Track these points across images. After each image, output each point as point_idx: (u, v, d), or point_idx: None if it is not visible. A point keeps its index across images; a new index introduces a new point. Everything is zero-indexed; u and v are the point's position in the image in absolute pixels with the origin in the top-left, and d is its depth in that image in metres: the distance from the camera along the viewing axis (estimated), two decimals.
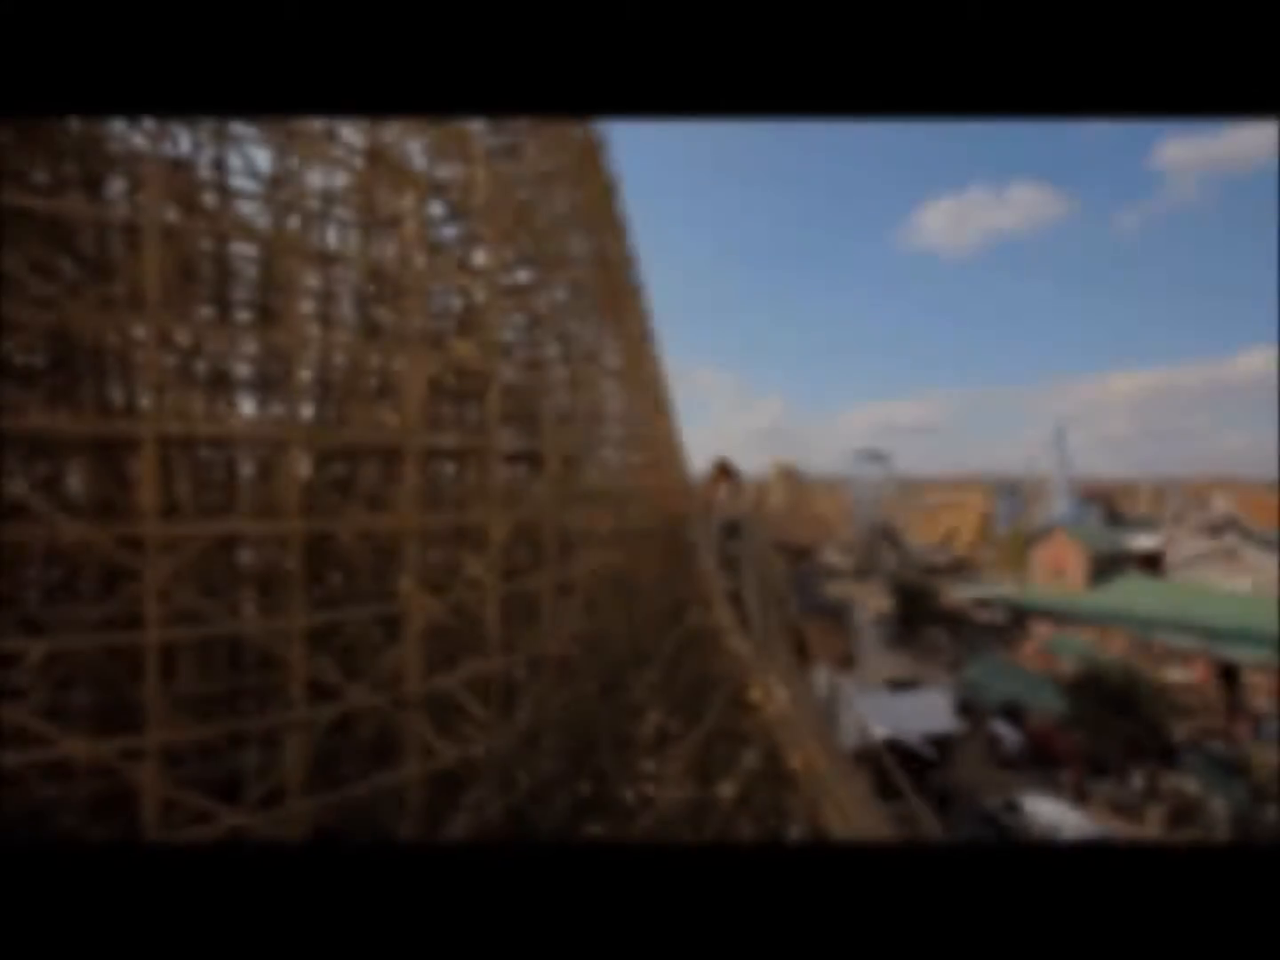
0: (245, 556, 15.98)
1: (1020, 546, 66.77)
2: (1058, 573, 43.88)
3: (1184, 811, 22.25)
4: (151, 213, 8.83)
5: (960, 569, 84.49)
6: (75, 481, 13.48)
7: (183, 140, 13.23)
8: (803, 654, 16.84)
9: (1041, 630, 40.54)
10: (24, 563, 12.75)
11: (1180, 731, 28.22)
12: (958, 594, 60.03)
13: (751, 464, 52.81)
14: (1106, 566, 41.68)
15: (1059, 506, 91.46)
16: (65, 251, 11.37)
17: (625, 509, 19.95)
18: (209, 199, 13.41)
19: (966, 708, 32.42)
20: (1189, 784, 23.17)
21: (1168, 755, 25.83)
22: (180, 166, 12.62)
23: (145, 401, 9.31)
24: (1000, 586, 63.33)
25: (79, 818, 10.37)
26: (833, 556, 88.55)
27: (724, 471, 40.80)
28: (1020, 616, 45.00)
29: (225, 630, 10.09)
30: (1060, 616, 39.72)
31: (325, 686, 11.17)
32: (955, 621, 49.30)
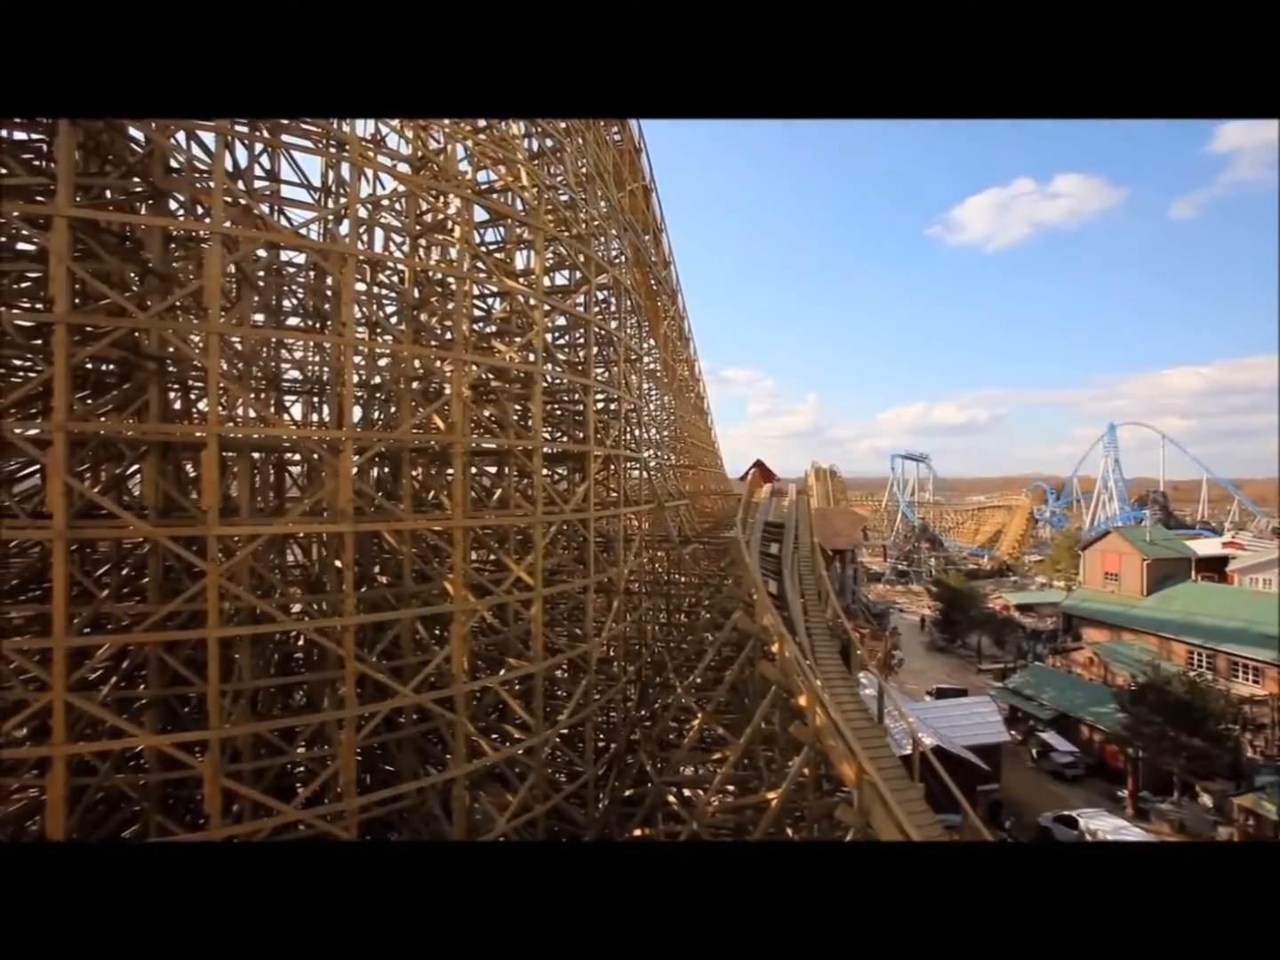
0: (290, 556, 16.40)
1: (1070, 549, 64.35)
2: (1112, 577, 42.05)
3: (1260, 835, 21.02)
4: (215, 223, 9.09)
5: (1005, 572, 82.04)
6: (135, 483, 14.05)
7: (237, 151, 13.67)
8: (850, 658, 16.45)
9: (1095, 637, 38.91)
10: (97, 560, 13.35)
11: (1250, 748, 26.72)
12: (1003, 598, 58.19)
13: (787, 465, 52.07)
14: (1165, 571, 39.78)
15: (1111, 508, 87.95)
16: (132, 262, 11.83)
17: (666, 510, 19.85)
18: (263, 208, 13.83)
19: (1015, 717, 31.34)
20: (1264, 805, 21.87)
21: (1238, 773, 24.47)
22: (236, 178, 13.03)
23: (206, 406, 9.60)
24: (1049, 591, 61.14)
25: (146, 806, 10.74)
26: (871, 558, 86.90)
27: (764, 472, 40.34)
28: (1071, 622, 43.31)
29: (283, 627, 10.31)
30: (1116, 623, 38.07)
31: (376, 684, 11.37)
32: (1001, 626, 47.72)
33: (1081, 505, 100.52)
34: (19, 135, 12.47)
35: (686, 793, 15.76)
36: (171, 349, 11.94)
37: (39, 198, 11.05)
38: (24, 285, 12.75)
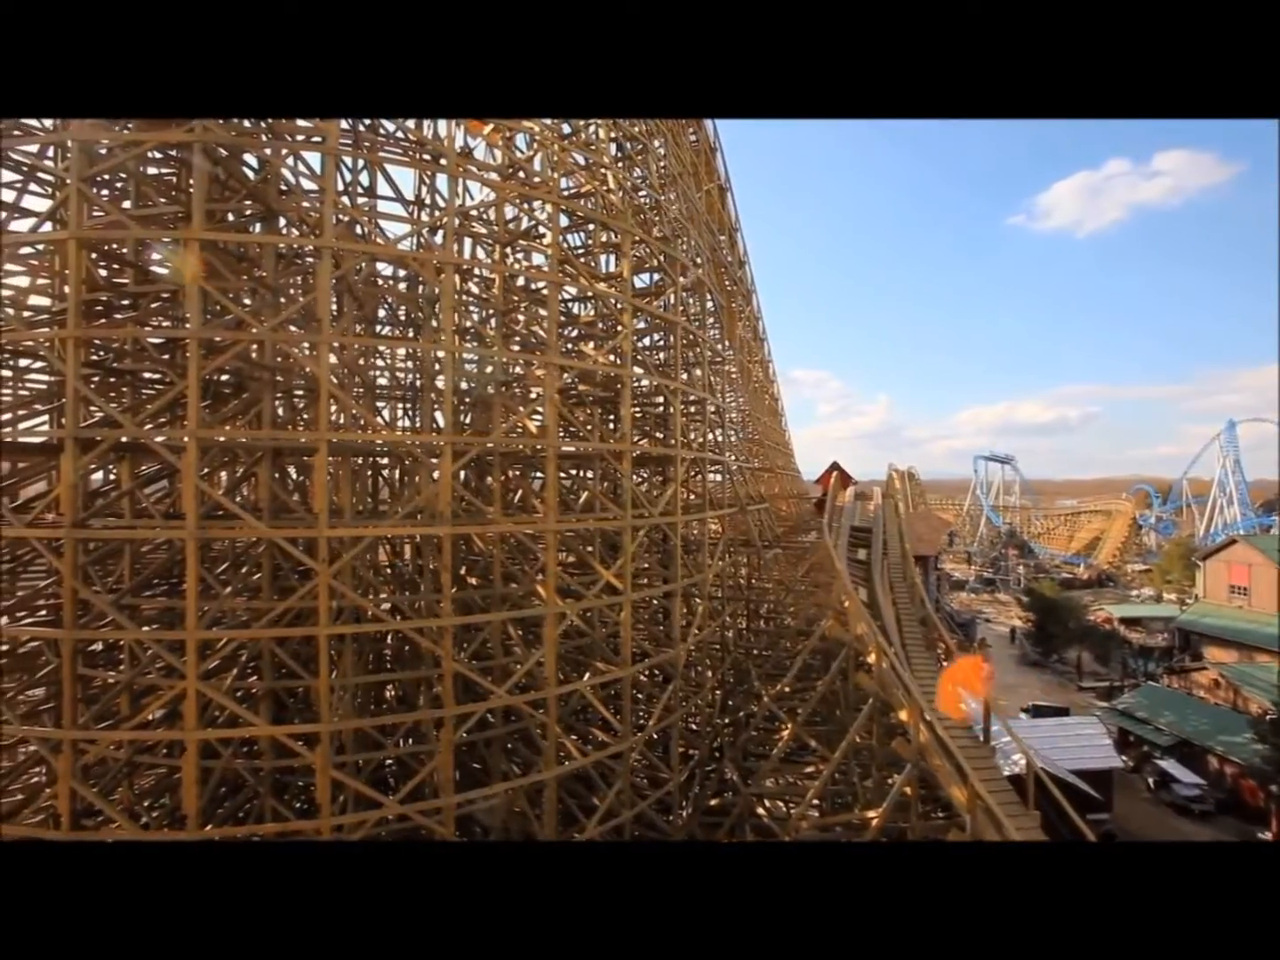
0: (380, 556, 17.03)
1: (1184, 559, 58.90)
2: (1239, 591, 38.05)
3: None
4: (326, 239, 9.51)
5: (1104, 582, 76.05)
6: (244, 488, 14.99)
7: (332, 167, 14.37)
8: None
9: (1220, 657, 35.27)
10: (214, 559, 14.33)
11: None
12: (1105, 610, 53.85)
13: (858, 467, 50.02)
14: None
15: (1231, 513, 79.90)
16: (248, 279, 12.61)
17: (748, 513, 19.43)
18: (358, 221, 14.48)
19: (1126, 741, 28.81)
20: None
21: None
22: (341, 194, 13.71)
23: (316, 413, 10.05)
24: (1159, 605, 56.12)
25: (261, 791, 11.35)
26: (954, 565, 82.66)
27: (841, 475, 39.05)
28: (1190, 640, 39.51)
29: (388, 627, 10.65)
30: (1247, 643, 34.36)
31: (465, 684, 11.59)
32: (1104, 641, 44.14)
33: (1193, 510, 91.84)
34: (151, 170, 13.60)
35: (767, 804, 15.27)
36: (279, 359, 12.69)
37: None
38: (154, 305, 13.86)
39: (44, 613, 13.51)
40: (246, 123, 12.65)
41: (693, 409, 16.50)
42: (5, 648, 12.67)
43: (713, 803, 15.61)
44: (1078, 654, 43.20)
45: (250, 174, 13.18)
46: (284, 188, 13.36)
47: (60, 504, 10.29)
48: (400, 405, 17.43)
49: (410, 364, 17.02)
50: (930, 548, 52.07)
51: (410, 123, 14.10)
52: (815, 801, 14.30)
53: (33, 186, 12.24)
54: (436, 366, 12.24)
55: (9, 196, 11.94)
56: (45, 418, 13.30)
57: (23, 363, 13.86)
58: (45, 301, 13.40)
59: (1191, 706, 29.98)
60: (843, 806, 14.37)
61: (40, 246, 12.41)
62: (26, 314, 12.76)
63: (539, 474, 15.85)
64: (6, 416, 12.76)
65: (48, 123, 12.23)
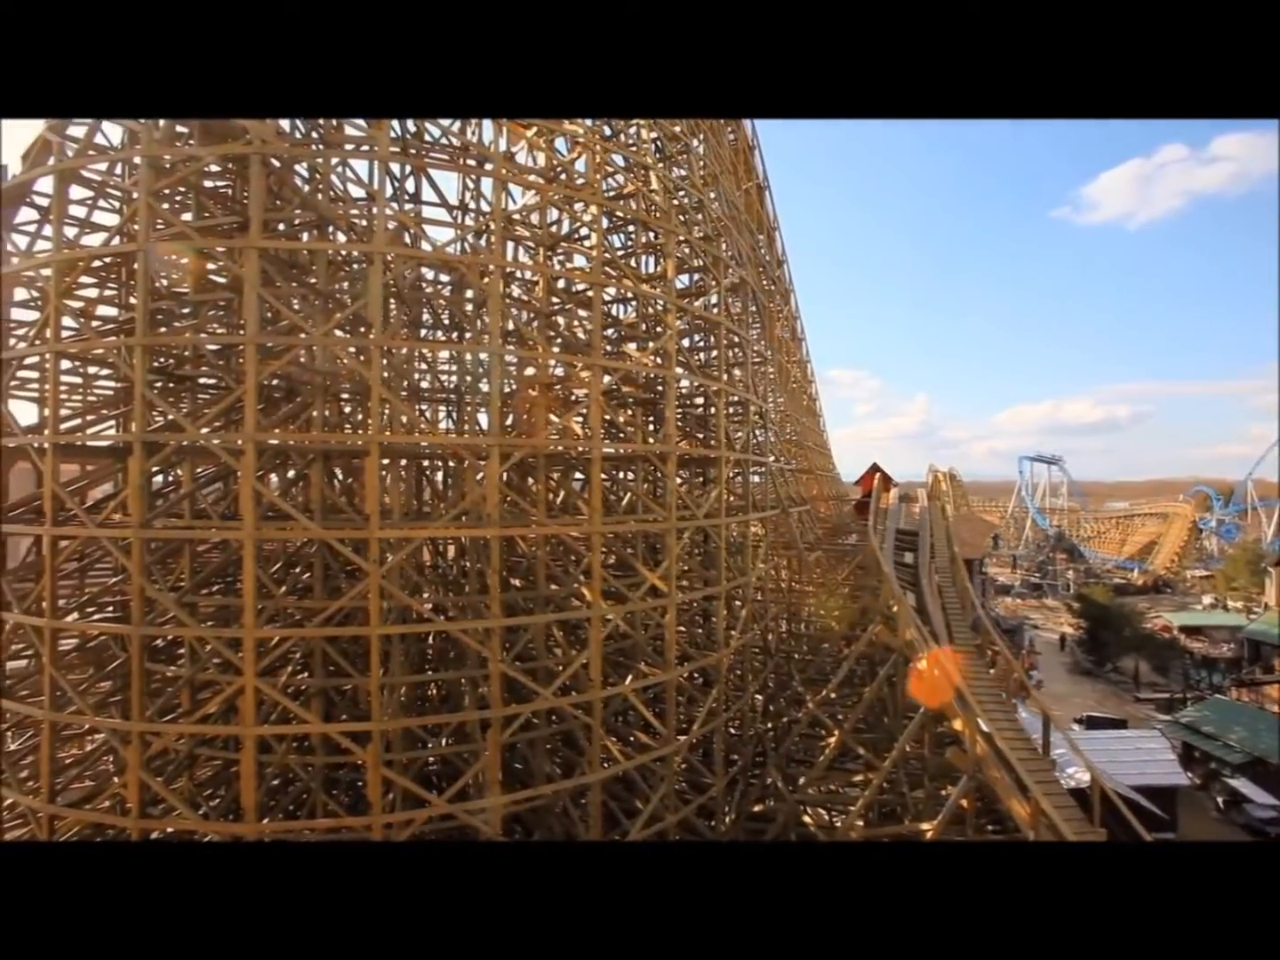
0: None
1: (1251, 565, 55.83)
2: None
3: None
4: (377, 244, 9.67)
5: (1161, 588, 72.54)
6: (291, 488, 15.35)
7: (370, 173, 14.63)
8: (1008, 681, 14.97)
9: None
10: (266, 558, 14.74)
11: None
12: (1164, 618, 51.36)
13: (897, 468, 48.77)
14: None
15: None
16: (300, 286, 12.93)
17: (789, 515, 19.12)
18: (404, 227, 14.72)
19: (1191, 757, 27.35)
20: None
21: None
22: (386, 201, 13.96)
23: (366, 416, 10.22)
24: (1223, 613, 53.27)
25: (313, 787, 11.59)
26: (998, 569, 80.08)
27: (885, 478, 38.22)
28: (1260, 650, 37.35)
29: (437, 627, 10.76)
30: None
31: (508, 684, 11.64)
32: (1162, 650, 42.06)
33: (1260, 514, 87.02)
34: (208, 183, 14.08)
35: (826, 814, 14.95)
36: (330, 364, 12.96)
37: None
38: (212, 313, 14.34)
39: (110, 609, 14.12)
40: (298, 133, 13.01)
41: (734, 410, 16.31)
42: (75, 642, 13.28)
43: (756, 809, 15.36)
44: (1134, 663, 41.26)
45: (300, 182, 13.54)
46: (334, 195, 13.70)
47: (127, 505, 10.71)
48: (442, 407, 17.69)
49: (451, 366, 17.26)
50: (974, 551, 50.53)
51: (454, 127, 14.27)
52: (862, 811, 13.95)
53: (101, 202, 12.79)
54: (481, 369, 12.34)
55: (80, 212, 12.54)
56: (111, 422, 13.91)
57: (90, 370, 14.56)
58: (112, 311, 14.03)
59: (1265, 722, 28.28)
60: (889, 816, 13.97)
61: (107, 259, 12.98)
62: (95, 323, 13.37)
63: (579, 475, 15.88)
64: (76, 421, 13.40)
65: (116, 141, 12.79)
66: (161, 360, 13.55)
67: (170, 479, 14.57)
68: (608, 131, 15.12)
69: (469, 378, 14.83)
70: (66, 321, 11.34)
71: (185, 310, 13.20)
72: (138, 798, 9.76)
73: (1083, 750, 22.66)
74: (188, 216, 12.99)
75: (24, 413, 13.56)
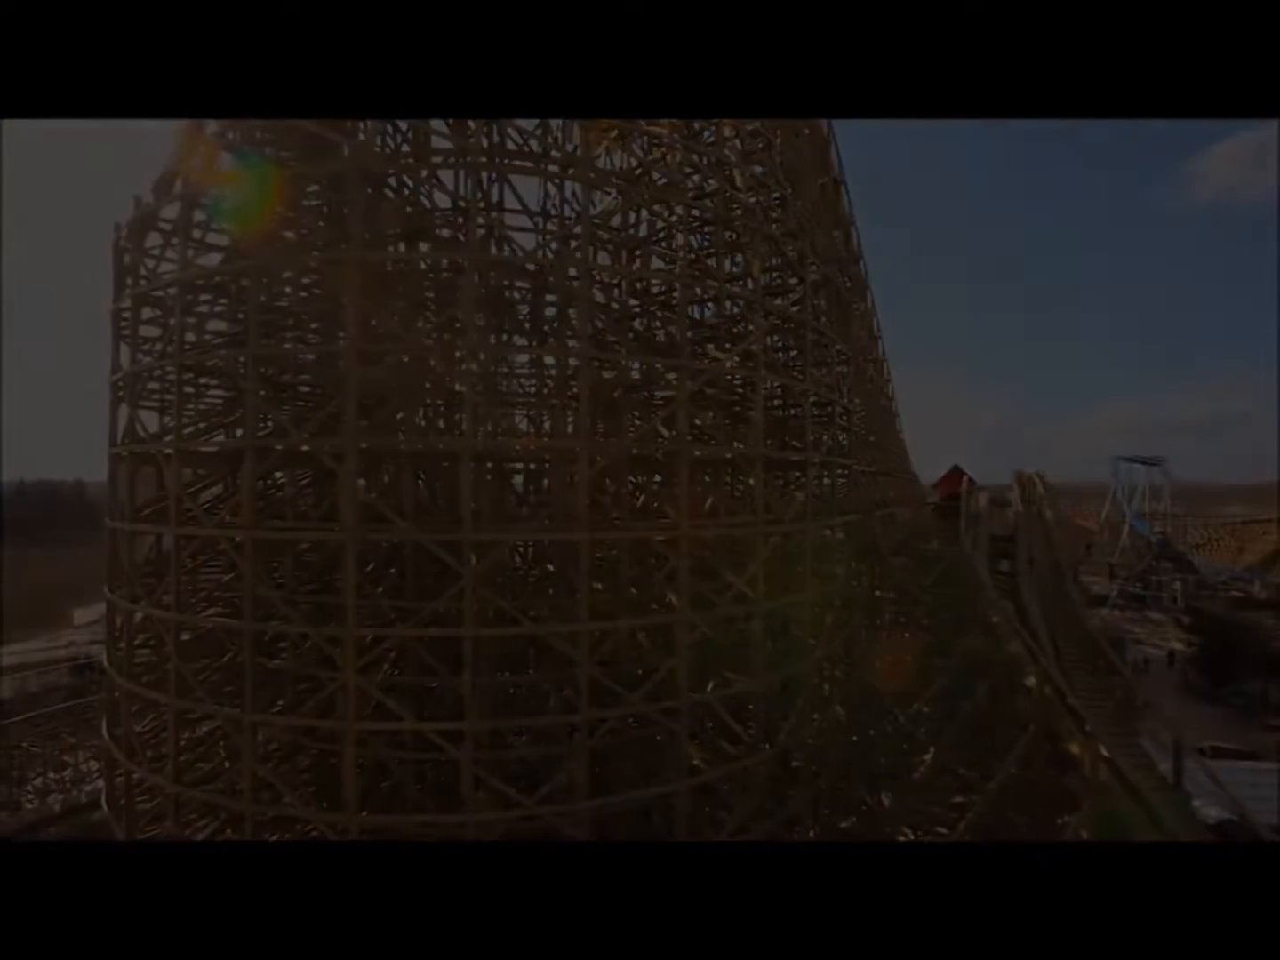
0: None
1: None
2: None
3: None
4: (473, 251, 9.84)
5: None
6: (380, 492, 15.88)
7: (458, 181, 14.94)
8: (1127, 702, 13.80)
9: None
10: (362, 560, 15.34)
11: None
12: None
13: (977, 471, 46.16)
14: None
15: None
16: (394, 295, 13.39)
17: (873, 519, 18.34)
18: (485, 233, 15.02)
19: None
20: None
21: None
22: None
23: (462, 420, 10.41)
24: None
25: (408, 784, 11.92)
26: (1093, 578, 74.61)
27: (969, 480, 36.34)
28: None
29: (530, 630, 10.87)
30: None
31: (591, 688, 11.59)
32: None
33: None
34: (306, 202, 14.80)
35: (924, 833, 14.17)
36: (423, 370, 13.34)
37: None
38: (312, 324, 15.07)
39: (219, 605, 15.05)
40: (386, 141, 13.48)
41: (817, 411, 15.77)
42: (187, 637, 14.23)
43: (843, 825, 14.74)
44: (1262, 686, 37.33)
45: (389, 193, 14.03)
46: (426, 204, 14.13)
47: (239, 507, 11.34)
48: (524, 411, 17.97)
49: (530, 370, 17.50)
50: (1067, 559, 47.24)
51: (536, 131, 14.45)
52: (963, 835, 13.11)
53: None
54: (569, 372, 12.40)
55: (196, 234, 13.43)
56: (220, 431, 14.83)
57: (202, 380, 15.60)
58: (222, 325, 14.98)
59: None
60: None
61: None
62: (206, 337, 14.31)
63: (657, 478, 15.74)
64: (189, 430, 14.37)
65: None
66: (264, 370, 14.33)
67: (269, 483, 15.39)
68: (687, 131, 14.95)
69: (550, 381, 14.96)
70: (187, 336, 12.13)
71: (289, 322, 13.92)
72: (250, 783, 10.27)
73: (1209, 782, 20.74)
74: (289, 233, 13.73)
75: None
